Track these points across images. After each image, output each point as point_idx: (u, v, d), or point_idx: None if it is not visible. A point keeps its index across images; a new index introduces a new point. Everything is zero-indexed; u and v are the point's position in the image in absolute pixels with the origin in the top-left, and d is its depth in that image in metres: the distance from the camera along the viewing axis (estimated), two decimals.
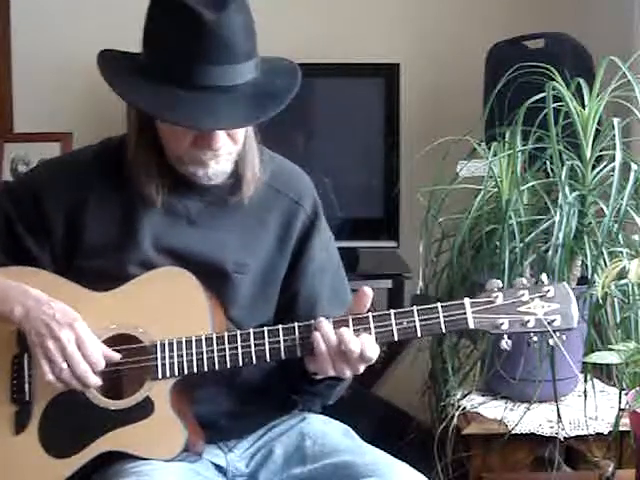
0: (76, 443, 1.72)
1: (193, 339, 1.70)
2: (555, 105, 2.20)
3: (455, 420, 2.32)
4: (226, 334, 1.71)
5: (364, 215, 3.05)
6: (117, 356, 1.72)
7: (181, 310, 1.74)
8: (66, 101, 3.17)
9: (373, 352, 1.66)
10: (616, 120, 2.18)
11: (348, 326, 1.67)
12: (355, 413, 2.04)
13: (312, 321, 1.69)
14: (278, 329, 1.70)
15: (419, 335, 1.68)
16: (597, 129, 2.26)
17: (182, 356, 1.70)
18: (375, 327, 1.67)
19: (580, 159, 2.25)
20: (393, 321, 1.68)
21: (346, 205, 2.93)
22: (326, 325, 1.67)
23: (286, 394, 1.89)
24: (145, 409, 1.71)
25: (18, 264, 1.79)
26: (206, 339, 1.70)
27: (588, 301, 2.17)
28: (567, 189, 2.17)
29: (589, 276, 2.17)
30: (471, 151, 2.40)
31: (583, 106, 2.24)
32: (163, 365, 1.70)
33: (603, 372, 2.40)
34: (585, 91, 2.25)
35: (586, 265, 2.20)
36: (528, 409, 2.28)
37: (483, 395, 2.42)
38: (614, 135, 2.16)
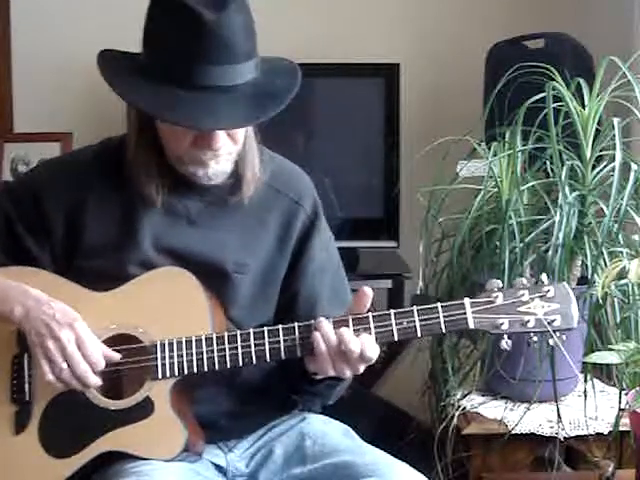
0: (76, 443, 1.72)
1: (193, 339, 1.70)
2: (555, 105, 2.20)
3: (455, 420, 2.32)
4: (226, 334, 1.71)
5: (364, 215, 3.05)
6: (117, 356, 1.72)
7: (181, 310, 1.74)
8: (66, 101, 3.17)
9: (373, 352, 1.66)
10: (616, 120, 2.18)
11: (348, 326, 1.67)
12: (355, 413, 2.04)
13: (312, 321, 1.69)
14: (278, 329, 1.70)
15: (419, 335, 1.68)
16: (597, 129, 2.26)
17: (182, 356, 1.70)
18: (375, 327, 1.67)
19: (580, 159, 2.25)
20: (393, 321, 1.68)
21: (346, 205, 2.93)
22: (326, 325, 1.67)
23: (286, 394, 1.89)
24: (145, 409, 1.71)
25: (18, 264, 1.79)
26: (206, 339, 1.70)
27: (588, 301, 2.17)
28: (567, 189, 2.17)
29: (589, 276, 2.17)
30: (471, 151, 2.40)
31: (583, 106, 2.24)
32: (163, 365, 1.70)
33: (603, 372, 2.40)
34: (585, 91, 2.25)
35: (586, 265, 2.20)
36: (528, 409, 2.28)
37: (483, 395, 2.42)
38: (614, 135, 2.16)
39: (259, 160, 1.81)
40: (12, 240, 1.80)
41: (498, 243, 2.22)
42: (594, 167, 2.26)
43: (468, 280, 2.27)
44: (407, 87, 3.02)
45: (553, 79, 2.23)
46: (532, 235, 2.20)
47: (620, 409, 2.08)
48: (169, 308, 1.74)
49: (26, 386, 1.75)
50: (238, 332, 1.71)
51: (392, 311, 1.69)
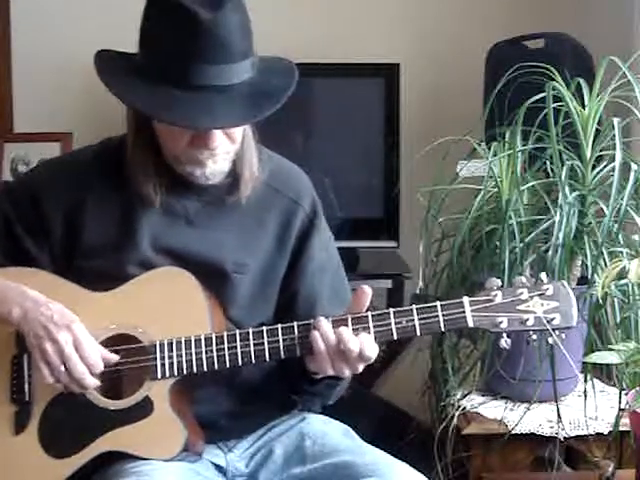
0: (76, 443, 1.72)
1: (192, 339, 1.70)
2: (555, 105, 2.20)
3: (455, 420, 2.32)
4: (225, 334, 1.71)
5: (364, 215, 3.05)
6: (115, 357, 1.72)
7: (180, 310, 1.74)
8: (66, 101, 3.17)
9: (372, 351, 1.66)
10: (616, 120, 2.18)
11: (347, 325, 1.67)
12: (355, 413, 2.04)
13: (311, 320, 1.69)
14: (277, 328, 1.70)
15: (418, 334, 1.68)
16: (597, 129, 2.25)
17: (181, 356, 1.70)
18: (374, 326, 1.67)
19: (580, 159, 2.25)
20: (392, 320, 1.68)
21: (346, 205, 2.93)
22: (325, 324, 1.67)
23: (286, 394, 1.88)
24: (144, 409, 1.71)
25: (17, 265, 1.79)
26: (205, 339, 1.70)
27: (588, 301, 2.17)
28: (567, 189, 2.17)
29: (589, 276, 2.17)
30: (471, 151, 2.40)
31: (583, 106, 2.24)
32: (162, 365, 1.70)
33: (603, 372, 2.40)
34: (585, 91, 2.25)
35: (586, 265, 2.20)
36: (528, 409, 2.28)
37: (483, 395, 2.42)
38: (614, 135, 2.16)
39: (257, 159, 1.81)
40: (11, 241, 1.80)
41: (498, 243, 2.22)
42: (594, 167, 2.26)
43: (468, 280, 2.27)
44: (407, 87, 3.02)
45: (553, 79, 2.23)
46: (532, 235, 2.20)
47: (620, 409, 2.08)
48: (168, 308, 1.74)
49: (26, 386, 1.75)
50: (237, 332, 1.71)
51: (391, 310, 1.69)
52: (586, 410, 2.22)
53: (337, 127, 3.03)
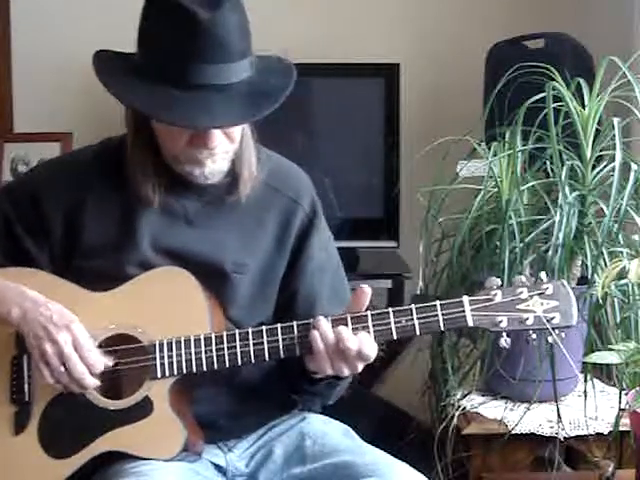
0: (75, 443, 1.72)
1: (192, 339, 1.70)
2: (555, 105, 2.20)
3: (455, 420, 2.32)
4: (225, 333, 1.71)
5: (364, 215, 3.05)
6: (109, 363, 1.72)
7: (180, 310, 1.74)
8: (66, 101, 3.17)
9: (371, 350, 1.66)
10: (616, 120, 2.18)
11: (346, 324, 1.67)
12: (355, 413, 2.04)
13: (311, 320, 1.69)
14: (277, 328, 1.70)
15: (418, 333, 1.68)
16: (597, 129, 2.25)
17: (181, 356, 1.70)
18: (374, 325, 1.67)
19: (580, 159, 2.25)
20: (392, 319, 1.68)
21: (346, 205, 2.93)
22: (324, 324, 1.67)
23: (286, 394, 1.88)
24: (144, 409, 1.71)
25: (17, 265, 1.79)
26: (205, 339, 1.70)
27: (588, 301, 2.17)
28: (567, 189, 2.17)
29: (589, 276, 2.17)
30: (471, 151, 2.40)
31: (583, 106, 2.24)
32: (162, 364, 1.70)
33: (603, 372, 2.40)
34: (585, 91, 2.25)
35: (586, 265, 2.20)
36: (528, 409, 2.28)
37: (483, 395, 2.42)
38: (614, 135, 2.16)
39: (256, 159, 1.81)
40: (11, 241, 1.80)
41: (498, 243, 2.22)
42: (594, 167, 2.26)
43: (468, 280, 2.27)
44: (407, 87, 3.02)
45: (553, 79, 2.23)
46: (532, 235, 2.20)
47: (620, 409, 2.08)
48: (168, 308, 1.74)
49: (25, 386, 1.75)
50: (237, 331, 1.71)
51: (390, 309, 1.68)
52: (586, 410, 2.21)
53: (337, 127, 3.03)
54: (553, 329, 1.67)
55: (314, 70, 2.86)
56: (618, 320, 2.13)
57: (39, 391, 1.74)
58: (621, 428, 2.11)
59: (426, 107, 3.20)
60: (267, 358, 1.70)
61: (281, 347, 1.69)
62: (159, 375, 1.70)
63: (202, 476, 1.77)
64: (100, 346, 1.72)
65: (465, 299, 1.68)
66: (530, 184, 2.28)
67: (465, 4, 3.22)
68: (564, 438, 2.26)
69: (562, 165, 2.18)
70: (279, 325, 1.70)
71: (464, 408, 2.36)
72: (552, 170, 2.25)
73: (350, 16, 3.21)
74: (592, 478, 2.12)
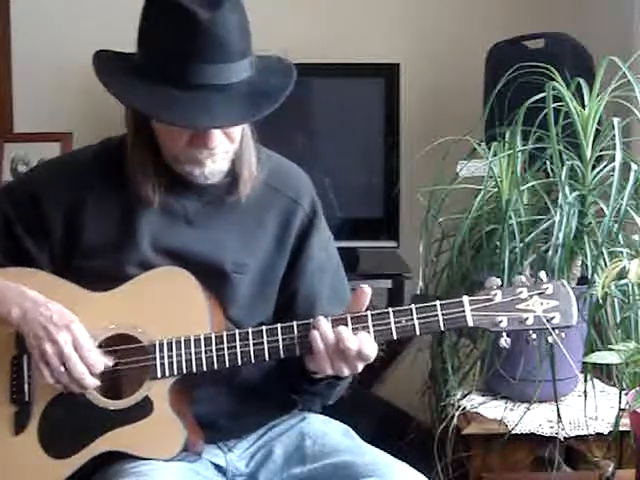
0: (75, 443, 1.72)
1: (192, 339, 1.70)
2: (555, 105, 2.20)
3: (455, 420, 2.32)
4: (225, 333, 1.71)
5: (364, 215, 3.05)
6: (109, 363, 1.72)
7: (180, 310, 1.73)
8: (66, 101, 3.17)
9: (371, 350, 1.66)
10: (616, 120, 2.18)
11: (346, 324, 1.67)
12: (355, 413, 2.04)
13: (310, 320, 1.69)
14: (277, 328, 1.70)
15: (418, 333, 1.68)
16: (597, 129, 2.25)
17: (181, 355, 1.70)
18: (374, 325, 1.67)
19: (580, 159, 2.25)
20: (392, 319, 1.68)
21: (346, 205, 2.93)
22: (324, 324, 1.67)
23: (286, 394, 1.88)
24: (144, 409, 1.71)
25: (17, 265, 1.79)
26: (205, 339, 1.70)
27: (588, 301, 2.17)
28: (567, 189, 2.17)
29: (589, 276, 2.17)
30: (471, 151, 2.40)
31: (583, 106, 2.24)
32: (162, 364, 1.70)
33: (603, 372, 2.40)
34: (585, 91, 2.25)
35: (586, 265, 2.20)
36: (528, 409, 2.27)
37: (483, 395, 2.42)
38: (614, 135, 2.16)
39: (256, 159, 1.81)
40: (11, 241, 1.80)
41: (498, 243, 2.22)
42: (594, 167, 2.26)
43: (468, 280, 2.27)
44: (407, 87, 3.02)
45: (553, 79, 2.23)
46: (532, 235, 2.20)
47: (620, 409, 2.08)
48: (168, 308, 1.74)
49: (25, 386, 1.75)
50: (237, 331, 1.71)
51: (390, 309, 1.68)
52: (586, 410, 2.21)
53: (337, 127, 3.03)
54: (553, 329, 1.67)
55: (314, 70, 2.87)
56: (618, 320, 2.13)
57: (39, 391, 1.74)
58: (621, 428, 2.11)
59: (426, 107, 3.20)
60: (267, 358, 1.70)
61: (281, 347, 1.70)
62: (159, 375, 1.70)
63: (202, 476, 1.77)
64: (100, 346, 1.72)
65: (465, 299, 1.68)
66: (530, 184, 2.28)
67: (465, 4, 3.23)
68: (564, 438, 2.26)
69: (562, 165, 2.18)
70: (279, 325, 1.70)
71: (464, 408, 2.36)
72: (552, 170, 2.25)
73: (350, 16, 3.21)
74: (592, 478, 2.12)
